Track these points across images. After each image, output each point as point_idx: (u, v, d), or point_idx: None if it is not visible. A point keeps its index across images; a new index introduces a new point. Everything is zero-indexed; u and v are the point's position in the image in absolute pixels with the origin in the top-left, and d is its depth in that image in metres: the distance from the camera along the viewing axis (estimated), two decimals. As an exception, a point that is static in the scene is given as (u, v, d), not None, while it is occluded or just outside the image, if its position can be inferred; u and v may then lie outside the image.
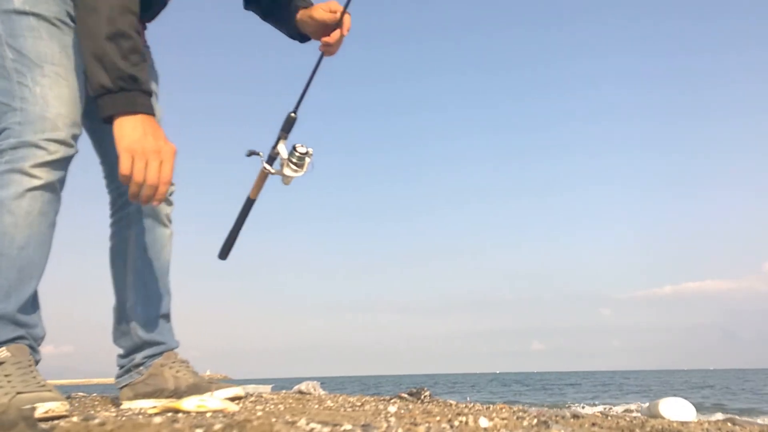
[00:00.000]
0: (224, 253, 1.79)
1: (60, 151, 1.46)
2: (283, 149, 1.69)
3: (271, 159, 1.70)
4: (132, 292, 1.80)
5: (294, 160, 1.67)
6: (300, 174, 1.69)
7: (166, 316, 1.86)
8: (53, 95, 1.47)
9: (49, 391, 1.36)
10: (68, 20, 1.54)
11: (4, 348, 1.42)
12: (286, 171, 1.68)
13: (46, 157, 1.44)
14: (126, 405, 1.66)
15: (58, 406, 1.32)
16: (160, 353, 1.80)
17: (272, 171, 1.69)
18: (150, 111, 1.42)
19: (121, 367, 1.82)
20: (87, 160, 1.76)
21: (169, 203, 1.85)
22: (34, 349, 1.50)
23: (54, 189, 1.49)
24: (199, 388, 1.70)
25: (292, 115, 1.71)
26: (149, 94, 1.44)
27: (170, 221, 1.86)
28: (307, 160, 1.68)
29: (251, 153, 1.70)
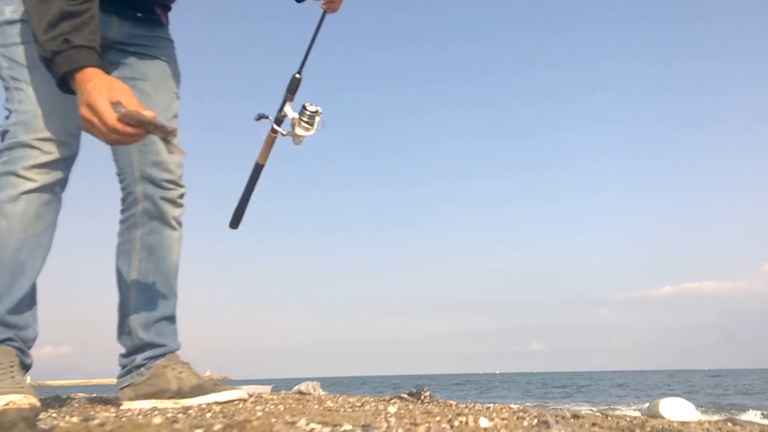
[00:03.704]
0: (235, 222, 1.78)
1: (55, 152, 1.46)
2: (290, 111, 1.70)
3: (279, 122, 1.70)
4: (135, 292, 1.77)
5: (305, 119, 1.67)
6: (311, 133, 1.69)
7: (170, 318, 1.83)
8: (46, 93, 1.46)
9: (22, 387, 1.35)
10: None
11: None
12: (298, 131, 1.68)
13: (40, 158, 1.44)
14: (126, 405, 1.66)
15: (20, 399, 1.32)
16: (162, 355, 1.77)
17: (283, 132, 1.69)
18: (94, 62, 1.34)
19: (123, 367, 1.80)
20: (89, 162, 1.72)
21: (179, 205, 1.80)
22: (23, 352, 1.49)
23: (52, 191, 1.49)
24: (203, 389, 1.69)
25: (297, 76, 1.72)
26: (92, 48, 1.36)
27: (179, 224, 1.81)
28: (317, 118, 1.68)
29: (260, 117, 1.71)
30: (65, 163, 1.50)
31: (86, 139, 1.60)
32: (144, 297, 1.77)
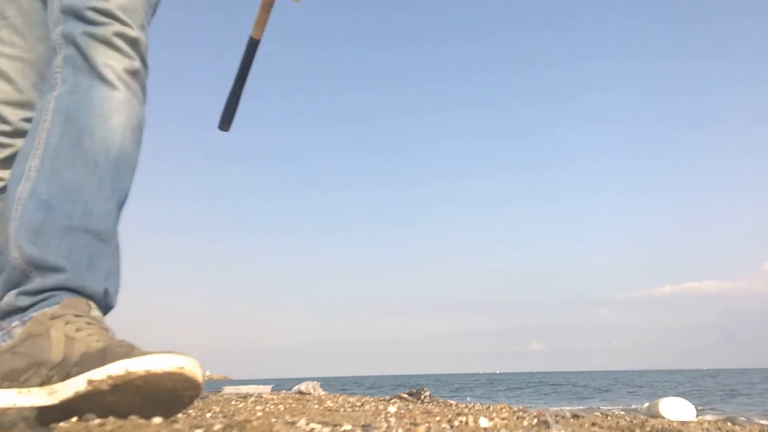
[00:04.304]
0: (226, 122, 1.37)
1: None
2: None
3: None
4: (31, 181, 1.03)
5: None
6: None
7: (95, 233, 1.02)
8: None
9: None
10: None
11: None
12: None
13: None
14: None
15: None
16: (55, 290, 0.97)
17: None
18: None
19: None
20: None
21: (119, 50, 1.09)
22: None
23: None
24: (105, 354, 0.83)
25: None
26: None
27: (126, 83, 1.09)
28: None
29: None
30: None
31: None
32: (46, 187, 1.02)
